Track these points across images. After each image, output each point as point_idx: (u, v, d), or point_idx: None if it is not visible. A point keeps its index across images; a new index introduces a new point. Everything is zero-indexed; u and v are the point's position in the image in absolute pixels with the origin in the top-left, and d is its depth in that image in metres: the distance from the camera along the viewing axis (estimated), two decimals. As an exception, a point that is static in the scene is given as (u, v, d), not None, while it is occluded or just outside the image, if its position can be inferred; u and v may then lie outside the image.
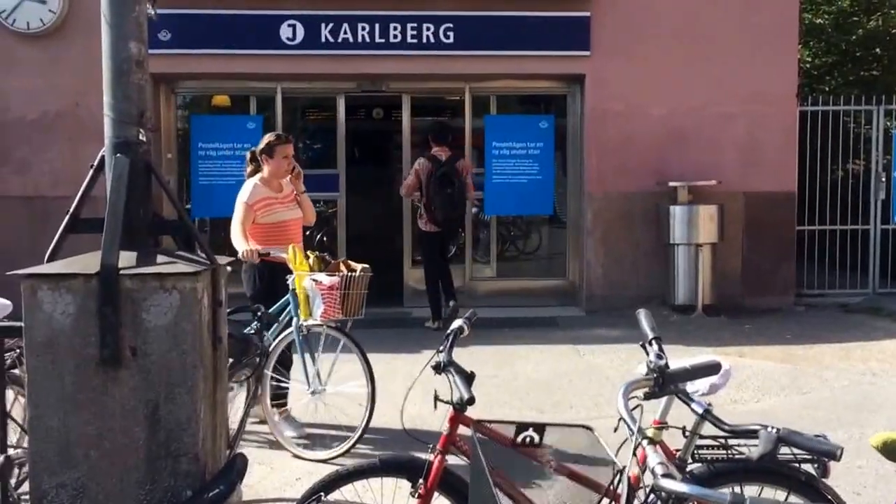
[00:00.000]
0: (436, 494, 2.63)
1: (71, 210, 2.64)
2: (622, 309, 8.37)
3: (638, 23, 8.61)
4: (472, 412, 2.58)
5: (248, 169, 5.13)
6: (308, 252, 4.55)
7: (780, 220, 8.76)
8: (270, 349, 4.45)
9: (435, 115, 10.99)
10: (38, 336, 2.37)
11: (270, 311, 4.55)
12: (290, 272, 4.56)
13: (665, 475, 1.83)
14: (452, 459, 2.59)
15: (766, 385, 5.91)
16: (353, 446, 4.37)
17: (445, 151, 7.80)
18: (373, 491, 2.86)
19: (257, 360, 3.88)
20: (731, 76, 8.62)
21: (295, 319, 4.51)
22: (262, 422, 4.74)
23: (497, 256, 9.51)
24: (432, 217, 7.72)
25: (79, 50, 8.18)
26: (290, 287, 4.51)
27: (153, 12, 2.77)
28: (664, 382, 2.26)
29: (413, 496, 2.62)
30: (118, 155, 2.60)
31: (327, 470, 3.88)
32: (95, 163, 2.67)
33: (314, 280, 4.34)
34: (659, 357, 2.31)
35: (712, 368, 2.49)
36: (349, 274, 4.34)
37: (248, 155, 5.20)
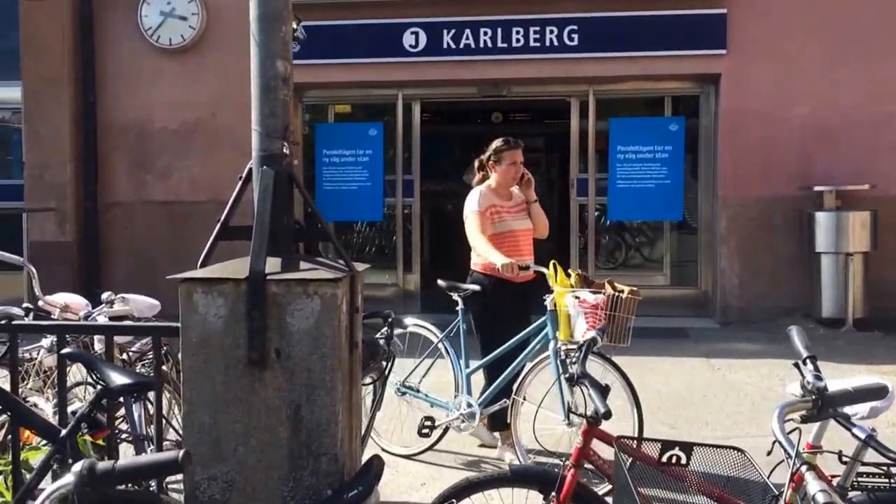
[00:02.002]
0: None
1: (221, 219, 2.84)
2: (760, 321, 8.05)
3: (778, 18, 8.27)
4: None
5: (477, 177, 4.85)
6: (569, 269, 4.27)
7: (941, 227, 8.13)
8: (524, 374, 4.26)
9: (555, 119, 10.97)
10: (193, 336, 2.58)
11: (524, 332, 4.33)
12: (520, 288, 4.44)
13: (828, 503, 1.78)
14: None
15: (926, 408, 5.51)
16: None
17: None
18: (502, 501, 2.92)
19: (384, 364, 4.02)
20: (887, 73, 8.10)
21: (552, 342, 4.19)
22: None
23: (622, 263, 9.38)
24: None
25: (214, 64, 8.78)
26: (548, 307, 4.21)
27: (300, 33, 2.95)
28: (823, 405, 2.18)
29: (545, 509, 2.65)
30: (264, 167, 2.78)
31: (451, 476, 4.01)
32: (243, 174, 2.86)
33: (577, 297, 4.04)
34: (818, 378, 2.22)
35: (878, 392, 2.38)
36: (616, 294, 4.00)
37: (475, 163, 4.89)
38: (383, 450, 4.61)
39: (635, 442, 2.54)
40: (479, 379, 4.62)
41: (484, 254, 4.46)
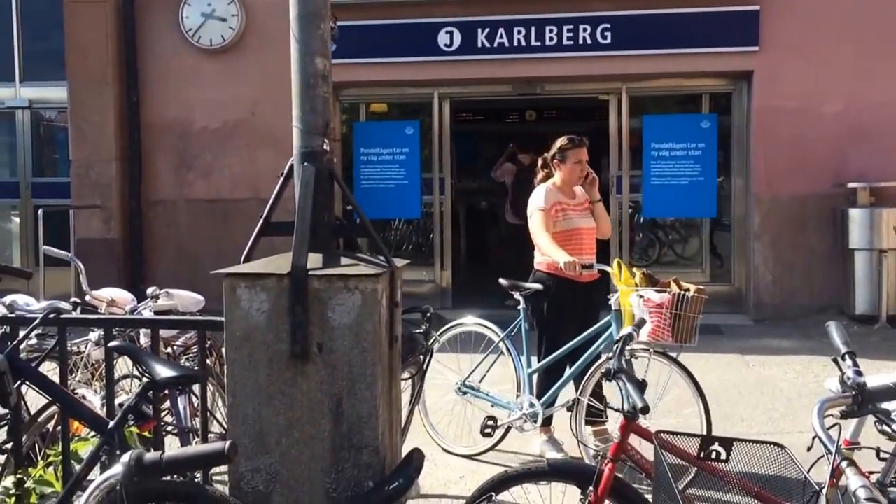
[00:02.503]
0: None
1: (264, 214, 2.83)
2: (794, 318, 7.90)
3: (811, 15, 8.10)
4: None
5: (539, 176, 4.75)
6: (634, 268, 4.14)
7: (978, 224, 7.89)
8: (587, 376, 4.13)
9: (589, 117, 10.86)
10: (237, 330, 2.57)
11: (588, 332, 4.24)
12: (584, 288, 4.35)
13: (869, 499, 1.72)
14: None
15: (964, 407, 5.34)
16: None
17: (529, 157, 8.99)
18: (540, 495, 2.88)
19: (422, 358, 4.00)
20: (922, 66, 7.89)
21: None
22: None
23: (655, 260, 9.25)
24: (516, 210, 8.74)
25: (254, 63, 8.83)
26: (613, 307, 4.10)
27: (335, 33, 2.93)
28: (863, 401, 2.12)
29: (583, 503, 2.61)
30: (305, 164, 2.76)
31: (489, 469, 3.97)
32: (285, 171, 2.84)
33: (641, 296, 3.91)
34: (857, 374, 2.16)
35: (920, 388, 2.31)
36: (682, 293, 3.87)
37: (539, 161, 4.79)
38: (444, 450, 4.53)
39: (674, 437, 2.49)
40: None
41: (547, 251, 4.35)
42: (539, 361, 4.43)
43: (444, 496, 3.99)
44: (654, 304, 3.86)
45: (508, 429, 4.42)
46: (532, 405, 4.34)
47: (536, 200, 4.52)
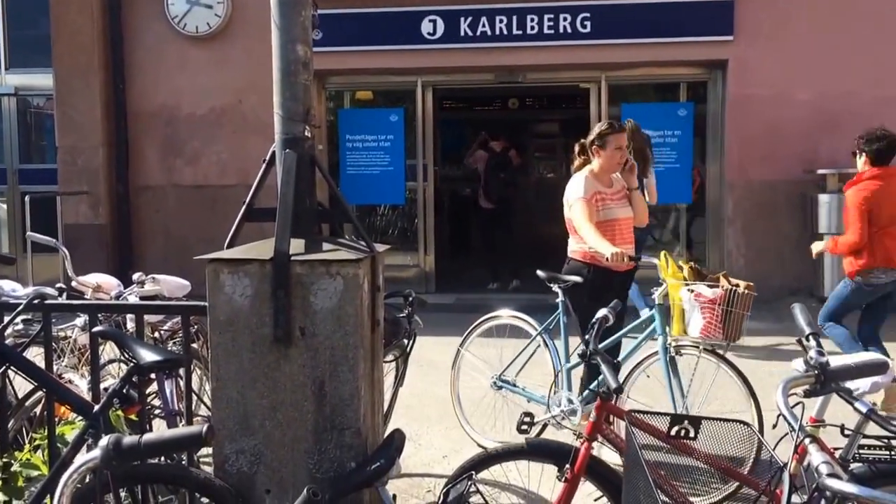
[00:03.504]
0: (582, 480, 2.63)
1: (247, 201, 2.79)
2: (766, 301, 7.95)
3: (784, 5, 8.13)
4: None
5: (577, 162, 4.48)
6: (681, 262, 3.93)
7: (942, 209, 8.00)
8: (633, 373, 3.91)
9: (568, 105, 10.85)
10: (220, 315, 2.54)
11: (629, 327, 4.05)
12: (620, 277, 4.15)
13: (831, 475, 1.74)
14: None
15: (926, 384, 5.42)
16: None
17: (499, 144, 9.59)
18: (519, 472, 2.89)
19: (406, 341, 3.99)
20: (890, 56, 7.94)
21: (661, 338, 3.83)
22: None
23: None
24: (488, 196, 9.30)
25: (241, 51, 8.72)
26: (657, 300, 3.89)
27: (315, 17, 2.88)
28: (826, 380, 2.15)
29: (560, 480, 2.62)
30: (287, 150, 2.72)
31: (471, 449, 3.98)
32: (267, 157, 2.80)
33: (692, 291, 3.70)
34: (820, 354, 2.18)
35: (879, 367, 2.34)
36: (733, 288, 3.66)
37: (576, 147, 4.51)
38: (479, 445, 4.23)
39: (645, 416, 2.50)
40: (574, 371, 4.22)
41: (592, 242, 4.07)
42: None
43: (428, 475, 4.00)
44: (706, 299, 3.64)
45: (545, 426, 4.15)
46: (570, 401, 4.06)
47: (576, 190, 4.23)
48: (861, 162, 5.06)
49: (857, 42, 8.01)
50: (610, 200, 4.28)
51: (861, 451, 2.28)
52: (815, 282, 7.99)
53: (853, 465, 2.33)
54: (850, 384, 2.36)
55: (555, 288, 4.22)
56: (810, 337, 2.29)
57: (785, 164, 8.13)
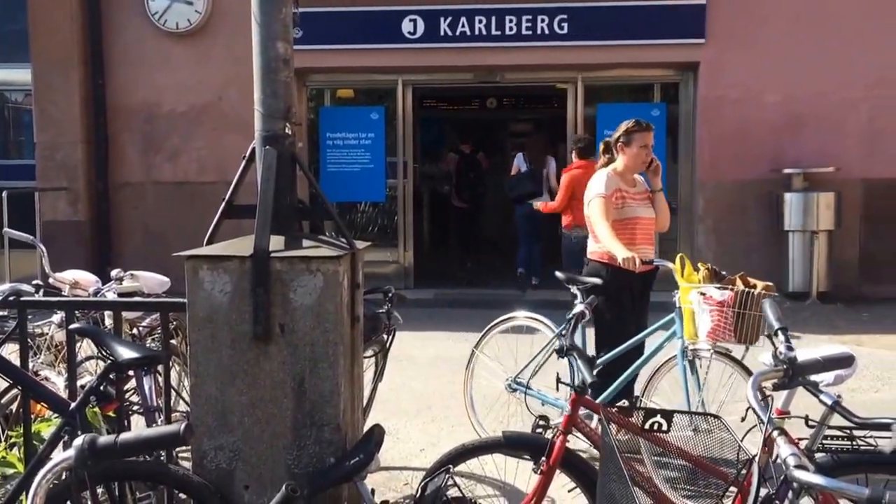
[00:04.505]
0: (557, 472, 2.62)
1: (226, 197, 2.75)
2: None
3: (755, 9, 8.20)
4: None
5: (601, 161, 4.31)
6: (699, 263, 3.79)
7: (901, 208, 8.15)
8: (650, 374, 3.78)
9: (546, 104, 10.86)
10: (199, 312, 2.49)
11: (650, 329, 3.90)
12: (640, 279, 3.94)
13: (798, 466, 1.75)
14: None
15: (885, 375, 5.55)
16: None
17: (468, 147, 10.17)
18: (496, 466, 2.88)
19: (385, 337, 3.95)
20: (855, 61, 8.06)
21: (679, 341, 3.72)
22: None
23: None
24: (460, 195, 9.84)
25: (221, 48, 8.60)
26: (677, 304, 3.74)
27: (296, 15, 2.83)
28: (794, 374, 2.16)
29: (536, 473, 2.61)
30: (267, 147, 2.67)
31: (449, 442, 3.95)
32: (247, 154, 2.76)
33: (702, 294, 3.56)
34: (789, 348, 2.20)
35: (845, 361, 2.36)
36: (746, 290, 3.50)
37: (601, 145, 4.36)
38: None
39: (620, 411, 2.50)
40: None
41: (604, 241, 3.93)
42: (599, 358, 3.94)
43: (406, 468, 3.97)
44: (714, 301, 3.50)
45: None
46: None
47: (596, 186, 4.06)
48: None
49: (824, 47, 8.11)
50: (631, 199, 4.10)
51: (825, 442, 2.29)
52: (781, 277, 8.08)
53: (818, 456, 2.35)
54: (815, 377, 2.38)
55: (573, 290, 3.95)
56: (779, 332, 2.29)
57: (753, 163, 8.21)
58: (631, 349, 3.92)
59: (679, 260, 3.75)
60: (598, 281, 3.96)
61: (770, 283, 3.61)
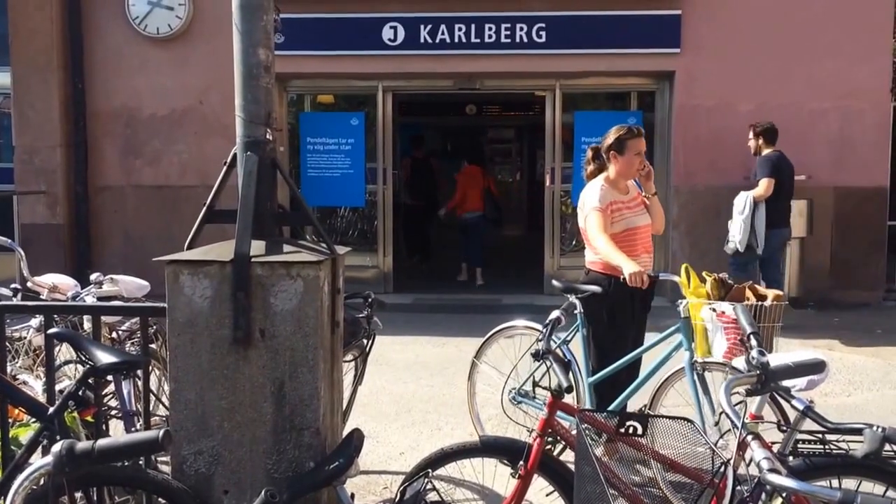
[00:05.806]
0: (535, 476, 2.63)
1: (207, 202, 2.73)
2: (708, 301, 8.11)
3: (729, 20, 8.30)
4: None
5: (589, 169, 4.14)
6: (704, 273, 3.60)
7: (870, 215, 8.32)
8: (657, 387, 3.60)
9: (524, 111, 10.91)
10: (179, 317, 2.47)
11: (654, 340, 3.75)
12: (641, 292, 3.76)
13: (771, 470, 1.77)
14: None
15: (856, 379, 5.61)
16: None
17: (421, 153, 11.00)
18: (473, 469, 2.88)
19: (365, 342, 3.94)
20: (824, 72, 8.20)
21: (687, 354, 3.52)
22: None
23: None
24: (410, 193, 10.67)
25: (201, 52, 8.54)
26: (682, 314, 3.55)
27: (277, 21, 2.82)
28: (766, 380, 2.19)
29: (514, 477, 2.62)
30: (248, 153, 2.66)
31: (428, 445, 3.96)
32: (228, 160, 2.74)
33: (714, 310, 3.38)
34: (762, 354, 2.22)
35: (816, 367, 2.39)
36: (759, 303, 3.38)
37: (588, 152, 4.17)
38: (503, 462, 3.89)
39: (596, 414, 2.52)
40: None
41: (607, 256, 3.80)
42: (593, 368, 3.86)
43: (385, 472, 3.96)
44: (729, 319, 3.32)
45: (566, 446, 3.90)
46: None
47: (591, 199, 3.91)
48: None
49: (796, 57, 8.24)
50: (627, 209, 3.97)
51: (798, 446, 2.32)
52: (754, 281, 8.17)
53: (790, 459, 2.38)
54: (787, 383, 2.41)
55: (572, 299, 3.81)
56: (751, 336, 2.32)
57: (727, 171, 8.30)
58: (632, 362, 3.81)
59: (684, 271, 3.61)
60: (597, 289, 3.84)
61: (780, 293, 3.51)
